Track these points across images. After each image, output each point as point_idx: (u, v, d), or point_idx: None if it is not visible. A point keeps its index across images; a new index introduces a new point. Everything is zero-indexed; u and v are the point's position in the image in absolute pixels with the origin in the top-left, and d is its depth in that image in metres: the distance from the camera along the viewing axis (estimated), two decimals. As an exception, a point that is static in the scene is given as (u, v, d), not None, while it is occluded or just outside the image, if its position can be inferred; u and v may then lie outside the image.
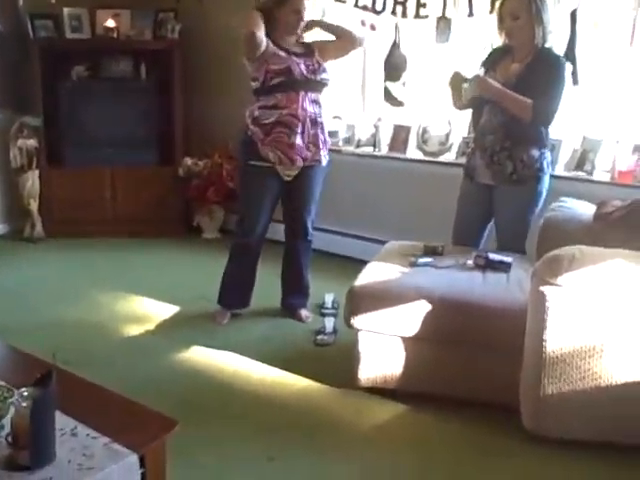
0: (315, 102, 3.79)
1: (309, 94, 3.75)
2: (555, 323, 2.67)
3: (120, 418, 2.01)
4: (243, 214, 4.02)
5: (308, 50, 3.85)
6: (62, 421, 1.90)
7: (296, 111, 3.73)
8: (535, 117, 3.46)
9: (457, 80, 3.64)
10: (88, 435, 1.88)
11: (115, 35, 5.67)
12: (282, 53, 3.73)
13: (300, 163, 3.82)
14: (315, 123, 3.80)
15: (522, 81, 3.49)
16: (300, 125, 3.74)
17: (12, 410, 1.81)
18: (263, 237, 4.02)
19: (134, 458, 1.81)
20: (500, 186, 3.64)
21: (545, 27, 3.49)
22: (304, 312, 4.14)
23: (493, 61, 3.68)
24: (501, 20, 3.58)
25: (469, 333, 3.03)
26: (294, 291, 4.19)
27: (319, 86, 3.81)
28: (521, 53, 3.57)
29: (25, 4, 5.61)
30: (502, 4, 3.58)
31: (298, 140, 3.76)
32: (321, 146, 3.85)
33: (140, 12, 5.78)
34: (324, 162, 3.92)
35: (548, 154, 3.64)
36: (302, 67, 3.73)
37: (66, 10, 5.62)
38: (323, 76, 3.81)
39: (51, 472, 1.71)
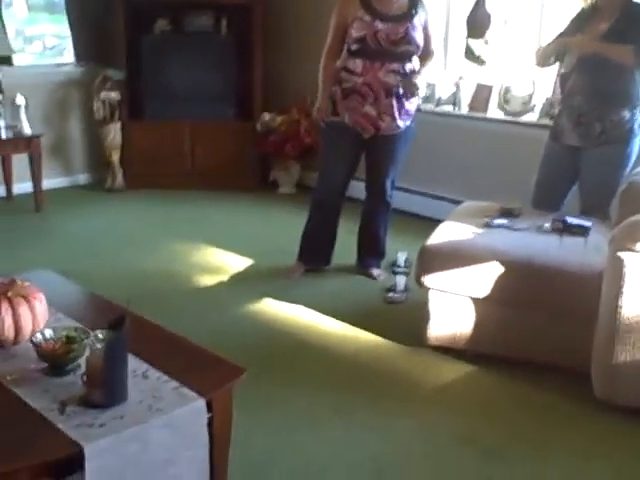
0: (395, 72, 3.68)
1: (387, 64, 3.67)
2: (631, 290, 2.61)
3: (189, 363, 2.06)
4: (323, 169, 4.03)
5: (409, 10, 3.69)
6: (134, 364, 1.97)
7: (370, 80, 3.68)
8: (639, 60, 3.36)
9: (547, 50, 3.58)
10: (159, 378, 1.95)
11: (197, -11, 5.70)
12: (367, 17, 3.64)
13: (372, 131, 3.79)
14: (390, 93, 3.71)
15: (609, 39, 3.38)
16: (372, 95, 3.70)
17: (87, 351, 1.88)
18: (343, 194, 4.02)
19: (202, 402, 1.87)
20: (587, 148, 3.55)
21: None
22: (376, 270, 4.15)
23: (580, 23, 3.56)
24: None
25: (542, 297, 2.99)
26: (369, 251, 4.20)
27: (400, 57, 3.69)
28: (609, 11, 3.45)
29: (111, -42, 5.70)
30: None
31: (370, 109, 3.73)
32: (397, 116, 3.77)
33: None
34: (401, 131, 3.84)
35: (639, 115, 3.52)
36: (382, 36, 3.63)
37: (151, -36, 5.68)
38: (405, 48, 3.68)
39: (123, 411, 1.79)
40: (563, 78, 3.66)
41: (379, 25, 3.64)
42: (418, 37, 3.71)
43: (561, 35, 3.65)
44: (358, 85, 3.71)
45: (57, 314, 2.30)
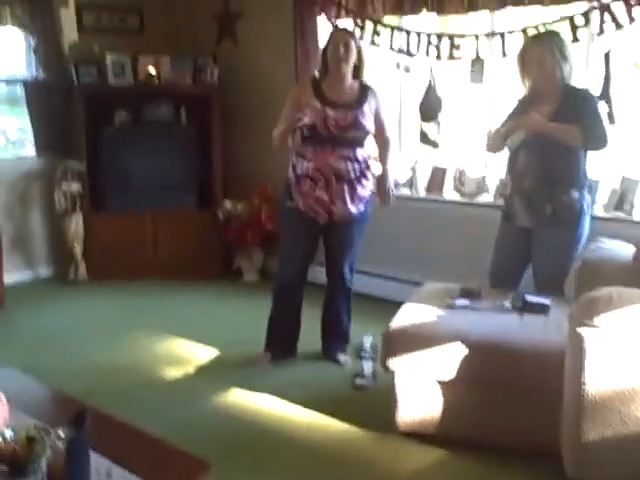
0: (345, 158, 3.77)
1: (337, 150, 3.76)
2: (594, 365, 2.63)
3: (154, 459, 2.03)
4: (282, 255, 4.08)
5: (360, 98, 3.83)
6: (97, 462, 1.94)
7: (321, 165, 3.76)
8: (587, 140, 3.47)
9: (498, 135, 3.71)
10: (123, 477, 1.91)
11: (156, 81, 5.81)
12: (317, 104, 3.76)
13: (325, 216, 3.85)
14: (342, 179, 3.78)
15: (556, 120, 3.50)
16: (323, 180, 3.78)
17: (49, 451, 1.85)
18: (303, 279, 4.04)
19: (167, 500, 1.84)
20: (540, 229, 3.63)
21: (570, 65, 3.52)
22: (342, 356, 4.13)
23: (521, 111, 3.68)
24: (526, 68, 3.59)
25: (507, 377, 3.00)
26: (333, 337, 4.19)
27: (349, 142, 3.78)
28: (550, 96, 3.57)
29: (70, 52, 5.80)
30: (524, 53, 3.59)
31: (322, 194, 3.80)
32: (349, 201, 3.83)
33: (180, 58, 5.91)
34: (355, 217, 3.90)
35: (588, 196, 3.62)
36: (331, 122, 3.73)
37: (109, 57, 5.79)
38: (354, 134, 3.78)
39: (86, 513, 1.74)
40: (510, 158, 3.74)
41: (329, 112, 3.75)
42: (368, 124, 3.81)
43: (509, 117, 3.76)
44: (310, 170, 3.79)
45: (17, 413, 2.25)
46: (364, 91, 3.86)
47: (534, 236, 3.67)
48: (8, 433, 2.00)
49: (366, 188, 3.90)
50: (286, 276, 4.02)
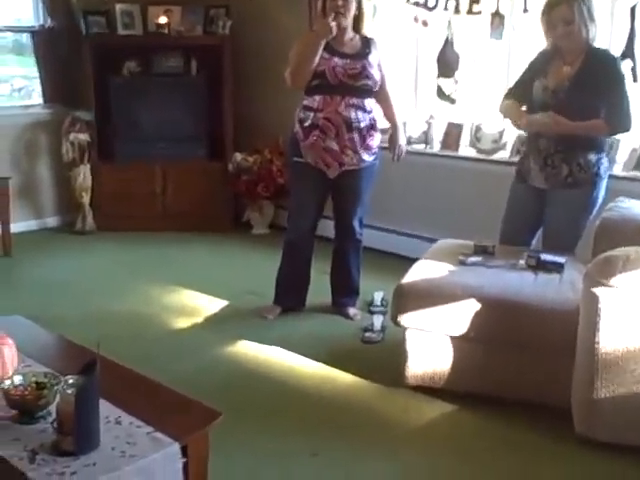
0: (355, 106, 3.75)
1: (347, 98, 3.73)
2: (608, 325, 2.63)
3: (163, 408, 2.04)
4: (292, 210, 4.09)
5: (363, 50, 3.81)
6: (107, 409, 1.95)
7: (330, 115, 3.74)
8: (613, 128, 3.44)
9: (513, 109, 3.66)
10: (132, 424, 1.92)
11: (166, 31, 5.75)
12: (325, 54, 3.73)
13: (336, 167, 3.84)
14: (351, 128, 3.76)
15: (576, 84, 3.43)
16: (333, 129, 3.75)
17: (58, 397, 1.85)
18: (312, 234, 4.06)
19: (176, 447, 1.85)
20: (554, 190, 3.58)
21: (596, 26, 3.44)
22: (352, 310, 4.15)
23: (541, 66, 3.62)
24: (552, 27, 3.49)
25: (519, 334, 3.00)
26: (343, 291, 4.20)
27: (359, 91, 3.77)
28: (572, 55, 3.49)
29: (79, 1, 5.73)
30: (550, 11, 3.49)
31: (332, 144, 3.78)
32: (360, 151, 3.82)
33: (191, 8, 5.85)
34: (365, 166, 3.89)
35: (605, 159, 3.56)
36: (340, 71, 3.71)
37: (118, 6, 5.73)
38: (363, 82, 3.76)
39: (95, 458, 1.76)
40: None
41: (337, 60, 3.73)
42: (375, 73, 3.80)
43: (529, 69, 3.69)
44: (318, 120, 3.76)
45: (27, 360, 2.27)
46: (367, 43, 3.86)
47: (548, 197, 3.62)
48: (17, 379, 2.02)
49: (375, 139, 3.88)
50: (296, 232, 4.04)
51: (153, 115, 5.91)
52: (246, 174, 5.74)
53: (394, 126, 4.04)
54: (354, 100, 3.75)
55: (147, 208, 5.88)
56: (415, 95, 5.31)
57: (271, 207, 5.94)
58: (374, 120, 3.86)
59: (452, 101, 5.02)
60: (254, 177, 5.71)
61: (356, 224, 4.04)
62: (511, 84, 3.83)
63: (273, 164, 5.67)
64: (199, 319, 4.10)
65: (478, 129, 4.96)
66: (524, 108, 3.65)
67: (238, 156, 5.77)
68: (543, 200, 3.63)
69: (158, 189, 5.90)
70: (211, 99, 5.89)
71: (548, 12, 3.49)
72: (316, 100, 3.77)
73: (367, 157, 3.87)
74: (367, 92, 3.80)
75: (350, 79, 3.73)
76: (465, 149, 5.03)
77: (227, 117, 5.94)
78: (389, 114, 4.03)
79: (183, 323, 4.05)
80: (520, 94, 3.66)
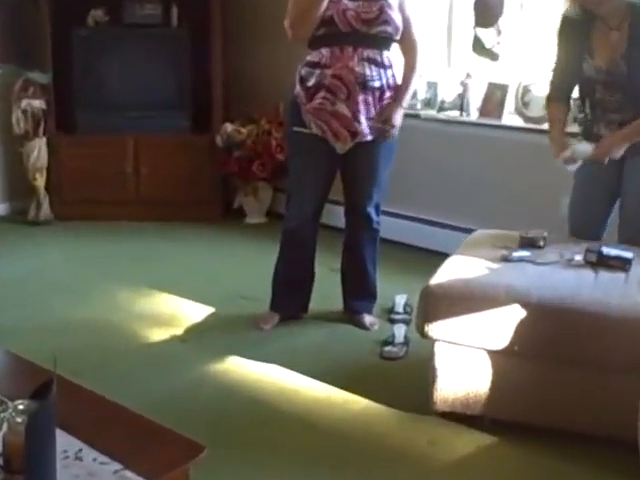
0: (370, 61, 3.72)
1: (360, 50, 3.70)
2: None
3: (134, 440, 2.05)
4: (291, 193, 4.07)
5: None
6: (65, 442, 1.95)
7: (341, 72, 3.70)
8: None
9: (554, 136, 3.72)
10: (95, 460, 1.93)
11: (140, -28, 5.76)
12: None
13: (347, 139, 3.81)
14: (365, 88, 3.73)
15: (631, 55, 3.44)
16: (344, 90, 3.71)
17: (5, 427, 1.87)
18: (316, 221, 4.06)
19: (150, 490, 1.86)
20: (631, 157, 3.58)
21: None
22: (369, 318, 4.16)
23: (579, 42, 3.60)
24: None
25: (575, 347, 3.00)
26: (356, 292, 4.21)
27: (375, 41, 3.73)
28: (614, 19, 3.49)
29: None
30: None
31: (342, 108, 3.74)
32: (376, 117, 3.81)
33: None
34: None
35: None
36: (352, 15, 3.66)
37: (81, -59, 5.74)
38: (381, 29, 3.72)
39: (49, 503, 1.77)
40: (583, 93, 3.69)
41: (348, 3, 3.68)
42: (396, 17, 3.74)
43: (558, 74, 3.70)
44: (326, 78, 3.73)
45: (-33, 381, 2.28)
46: None
47: (626, 166, 3.61)
48: (-45, 404, 2.03)
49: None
50: (296, 219, 4.03)
51: (124, 77, 5.93)
52: (238, 150, 5.75)
53: (401, 89, 3.89)
54: (369, 52, 3.73)
55: (116, 192, 5.91)
56: (448, 49, 5.32)
57: (269, 190, 5.95)
58: (395, 78, 3.85)
59: (493, 56, 5.01)
60: (248, 153, 5.72)
61: (372, 211, 4.03)
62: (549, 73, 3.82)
63: (272, 137, 5.67)
64: (179, 330, 4.12)
65: (526, 91, 4.95)
66: (576, 93, 3.68)
67: (229, 127, 5.78)
68: (620, 171, 3.63)
69: (129, 168, 5.92)
70: (195, 56, 5.90)
71: None
72: (322, 54, 3.74)
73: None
74: (386, 42, 3.78)
75: (364, 25, 3.70)
76: (510, 117, 5.03)
77: (215, 79, 5.95)
78: (406, 71, 3.91)
79: (159, 334, 4.06)
80: (566, 89, 3.72)
